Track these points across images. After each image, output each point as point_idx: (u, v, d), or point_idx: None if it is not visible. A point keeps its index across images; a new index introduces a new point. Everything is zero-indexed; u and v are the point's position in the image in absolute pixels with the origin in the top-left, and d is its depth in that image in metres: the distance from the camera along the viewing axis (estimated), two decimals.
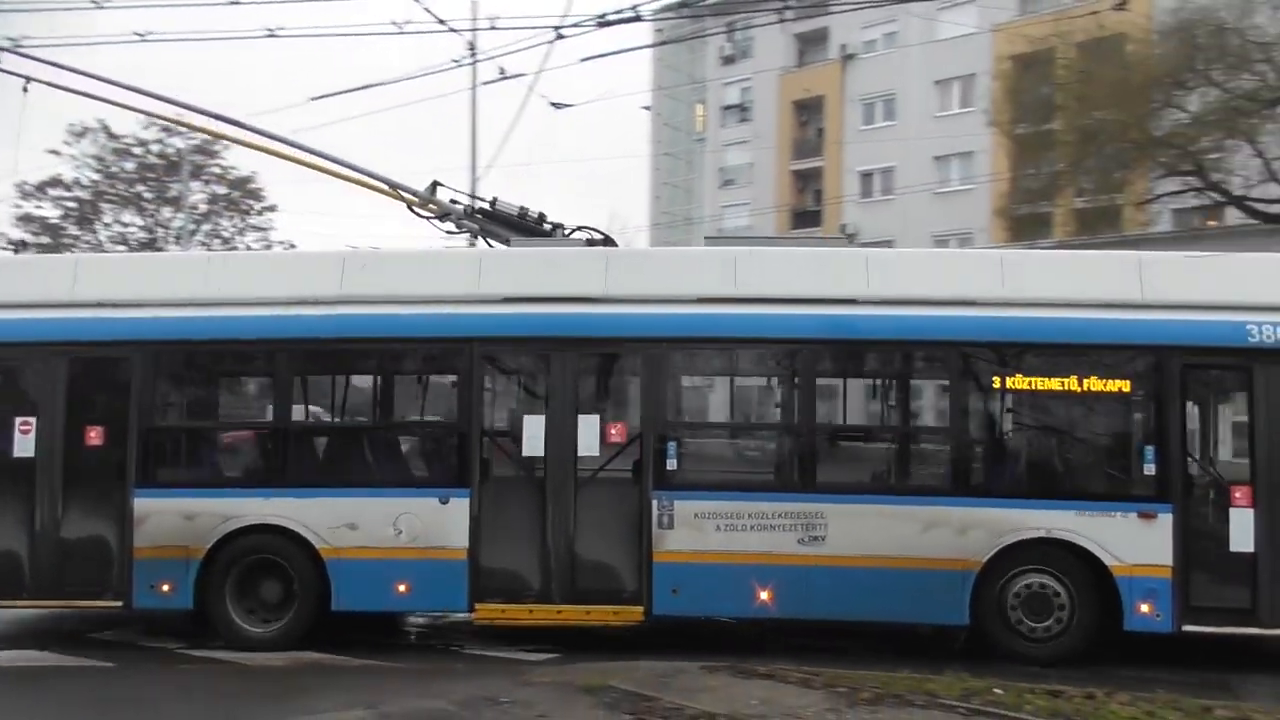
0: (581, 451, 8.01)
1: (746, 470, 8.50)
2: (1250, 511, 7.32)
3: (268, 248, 34.47)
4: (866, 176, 36.94)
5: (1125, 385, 7.76)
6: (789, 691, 6.22)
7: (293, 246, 34.79)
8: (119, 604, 8.27)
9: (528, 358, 8.52)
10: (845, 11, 29.63)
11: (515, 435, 8.31)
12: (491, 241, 9.57)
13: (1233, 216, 22.95)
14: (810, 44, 39.32)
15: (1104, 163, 22.27)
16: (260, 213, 35.89)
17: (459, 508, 8.00)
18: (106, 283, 8.59)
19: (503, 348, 8.42)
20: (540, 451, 8.05)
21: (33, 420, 8.31)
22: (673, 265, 8.86)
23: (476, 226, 9.69)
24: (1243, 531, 7.32)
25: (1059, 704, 5.89)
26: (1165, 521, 7.40)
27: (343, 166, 9.77)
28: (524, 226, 9.37)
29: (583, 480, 8.04)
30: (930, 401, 8.87)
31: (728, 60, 41.86)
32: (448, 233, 10.03)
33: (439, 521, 7.99)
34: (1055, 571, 7.59)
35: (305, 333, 8.27)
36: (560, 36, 10.23)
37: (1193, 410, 8.18)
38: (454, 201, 9.80)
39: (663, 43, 24.92)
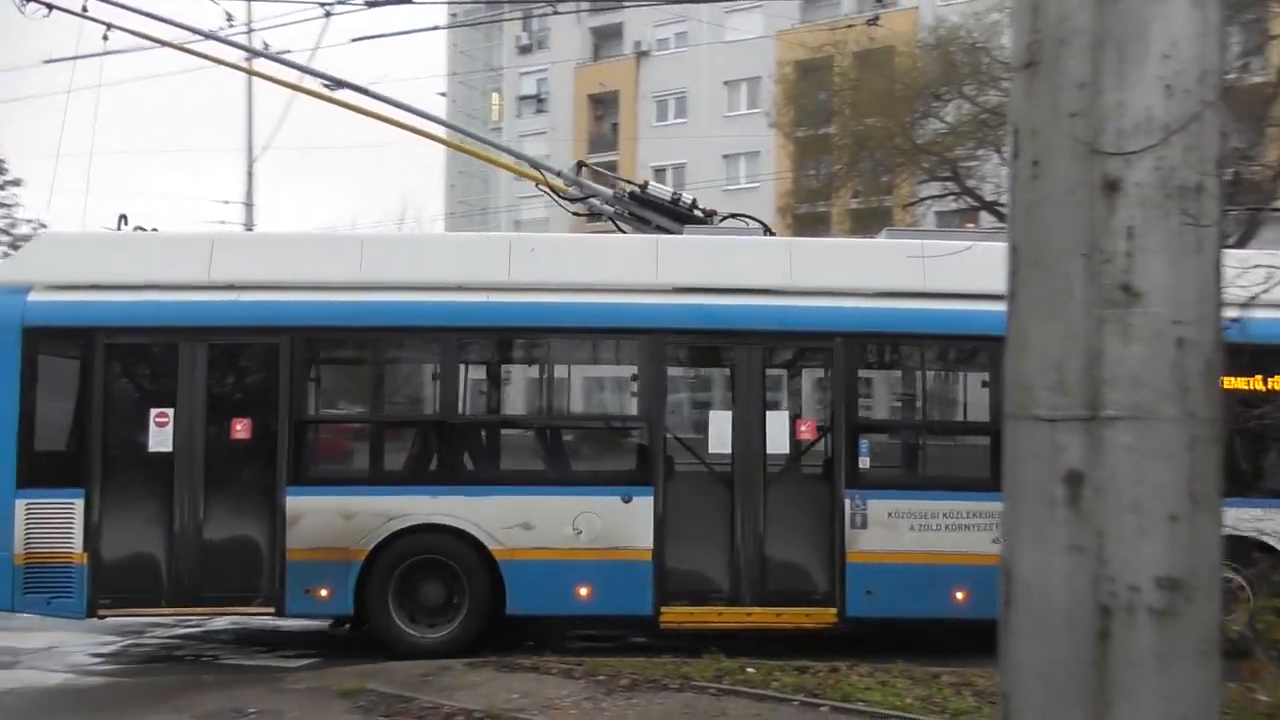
0: (770, 449, 7.74)
1: (940, 468, 8.15)
2: None
3: (13, 226, 31.19)
4: (659, 172, 37.60)
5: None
6: (551, 683, 6.24)
7: (44, 226, 31.69)
8: (270, 610, 7.65)
9: (713, 351, 8.28)
10: (632, 7, 30.06)
11: (700, 431, 7.97)
12: (624, 226, 9.20)
13: (987, 220, 25.12)
14: (606, 38, 39.71)
15: (874, 166, 23.87)
16: (3, 187, 32.36)
17: (642, 506, 7.61)
18: (247, 263, 7.93)
19: (687, 340, 8.06)
20: (727, 449, 7.72)
21: (170, 411, 7.62)
22: (858, 256, 8.60)
23: (612, 210, 9.31)
24: None
25: (804, 679, 6.20)
26: None
27: (484, 144, 9.26)
28: (675, 213, 9.01)
29: (771, 478, 7.75)
30: None
31: (524, 50, 41.60)
32: (574, 214, 9.68)
33: (622, 521, 7.59)
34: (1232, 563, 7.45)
35: (475, 320, 7.82)
36: (329, 14, 9.77)
37: None
38: (572, 179, 9.55)
39: (435, 27, 24.53)
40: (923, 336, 8.06)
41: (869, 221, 26.20)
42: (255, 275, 7.82)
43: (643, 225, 9.07)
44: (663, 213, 9.10)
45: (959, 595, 7.57)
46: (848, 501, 7.63)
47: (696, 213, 9.22)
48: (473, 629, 7.66)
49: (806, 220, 26.83)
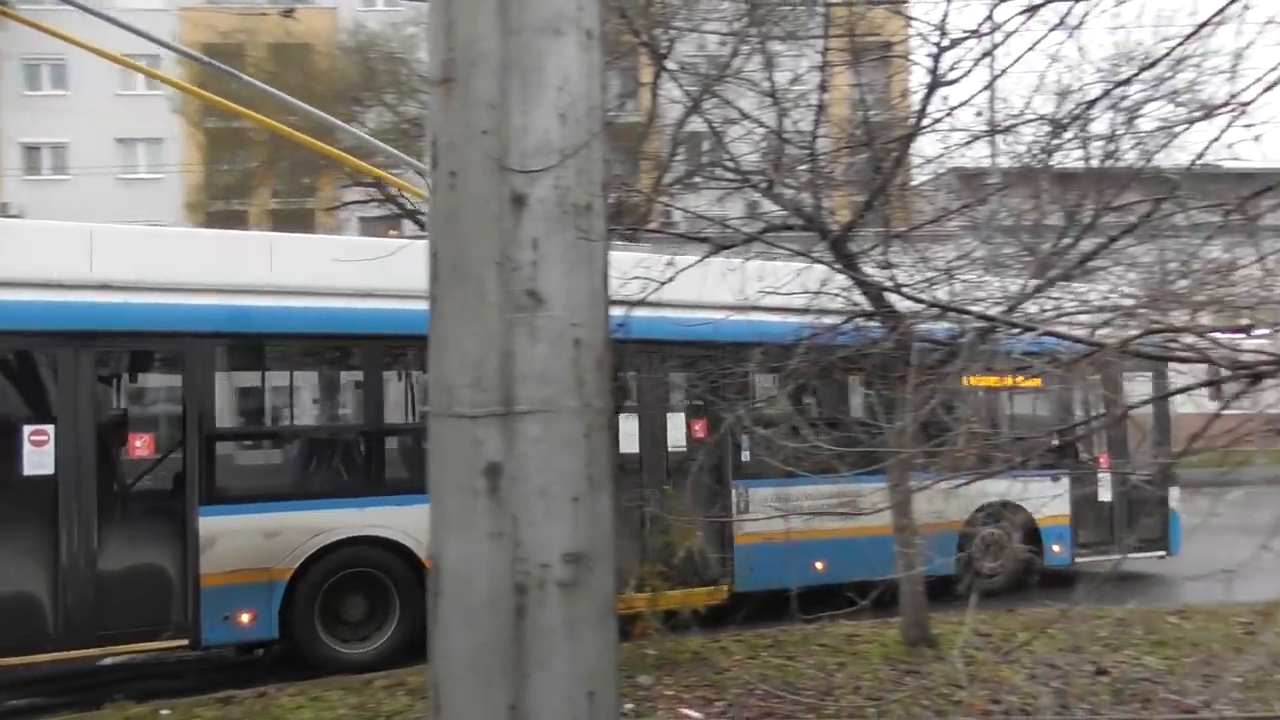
0: (670, 445, 8.67)
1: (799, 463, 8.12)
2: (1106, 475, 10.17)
3: None
4: (32, 150, 32.28)
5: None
6: None
7: None
8: (184, 643, 7.02)
9: (628, 357, 8.36)
10: None
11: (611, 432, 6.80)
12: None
13: (410, 228, 25.91)
14: None
15: (294, 166, 23.17)
16: None
17: None
18: (140, 261, 7.15)
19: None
20: (635, 448, 8.44)
21: (49, 429, 6.70)
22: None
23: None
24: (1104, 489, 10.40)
25: (230, 710, 5.83)
26: (1065, 485, 9.90)
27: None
28: None
29: (671, 471, 8.57)
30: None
31: None
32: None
33: None
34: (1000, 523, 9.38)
35: (399, 328, 7.55)
36: None
37: None
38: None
39: None
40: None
41: (290, 223, 25.37)
42: (150, 275, 7.15)
43: None
44: None
45: (819, 565, 8.48)
46: (734, 490, 8.82)
47: None
48: (405, 639, 7.58)
49: (221, 218, 25.11)
